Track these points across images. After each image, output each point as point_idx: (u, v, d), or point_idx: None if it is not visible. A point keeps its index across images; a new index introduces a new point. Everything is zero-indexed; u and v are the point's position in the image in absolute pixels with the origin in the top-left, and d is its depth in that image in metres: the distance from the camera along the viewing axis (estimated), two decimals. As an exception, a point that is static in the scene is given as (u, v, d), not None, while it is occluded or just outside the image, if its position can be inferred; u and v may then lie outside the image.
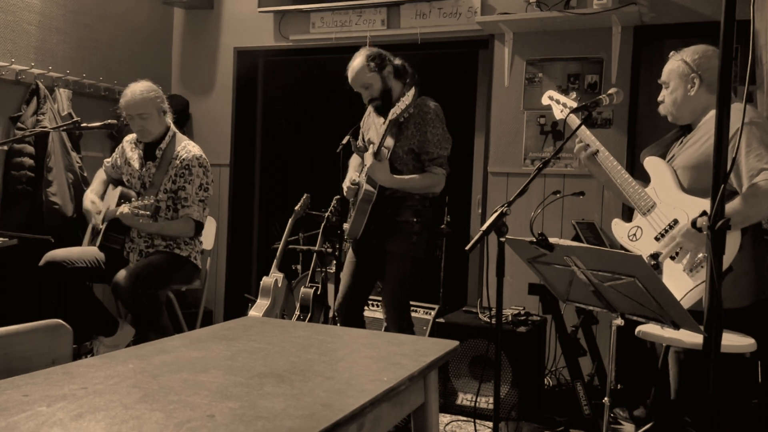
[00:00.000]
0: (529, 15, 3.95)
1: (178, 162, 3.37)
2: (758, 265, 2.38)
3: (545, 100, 2.89)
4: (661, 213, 2.41)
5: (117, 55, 4.64)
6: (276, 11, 4.79)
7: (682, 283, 2.26)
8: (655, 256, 2.38)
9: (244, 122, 5.17)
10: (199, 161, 3.39)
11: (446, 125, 3.10)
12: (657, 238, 2.39)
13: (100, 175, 3.68)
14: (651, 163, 2.53)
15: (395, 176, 3.01)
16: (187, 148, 3.42)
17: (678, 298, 2.18)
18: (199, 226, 3.39)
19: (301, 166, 5.87)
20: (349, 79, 3.14)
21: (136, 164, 3.46)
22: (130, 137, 3.58)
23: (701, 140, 2.42)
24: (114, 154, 3.66)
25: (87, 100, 4.39)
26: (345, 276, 3.21)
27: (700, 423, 1.50)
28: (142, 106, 3.34)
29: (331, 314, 3.97)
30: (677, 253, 2.33)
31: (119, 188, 3.47)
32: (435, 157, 3.04)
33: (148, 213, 3.12)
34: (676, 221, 2.35)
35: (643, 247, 2.43)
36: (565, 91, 2.88)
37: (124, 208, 3.15)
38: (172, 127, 3.49)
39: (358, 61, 3.10)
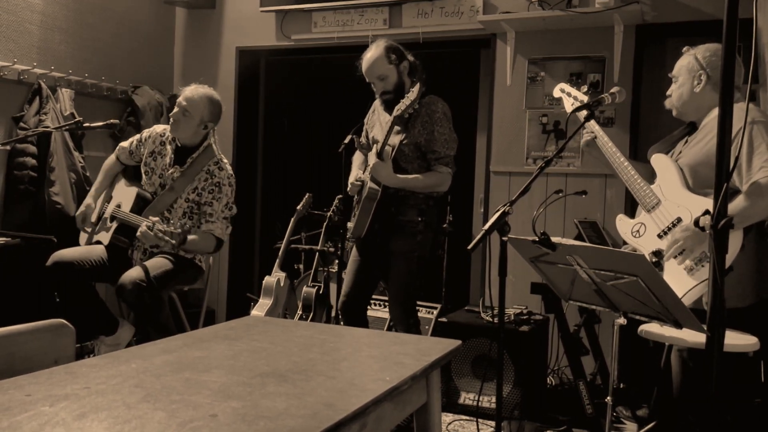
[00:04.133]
0: (531, 14, 3.95)
1: (208, 176, 3.34)
2: (761, 264, 2.38)
3: (557, 93, 2.90)
4: (665, 210, 2.40)
5: (119, 54, 4.65)
6: (278, 11, 4.79)
7: (683, 282, 2.26)
8: (657, 253, 2.38)
9: (246, 122, 5.17)
10: (230, 180, 3.39)
11: (452, 127, 3.10)
12: (660, 236, 2.40)
13: (108, 166, 3.60)
14: (657, 161, 2.53)
15: (399, 175, 3.00)
16: (221, 164, 3.39)
17: (678, 297, 2.18)
18: (219, 243, 3.37)
19: (303, 166, 5.87)
20: (364, 69, 3.09)
21: (166, 159, 3.41)
22: (162, 129, 3.51)
23: (705, 139, 2.42)
24: (133, 140, 3.56)
25: (89, 99, 4.39)
26: (348, 275, 3.20)
27: (703, 422, 1.50)
28: (192, 103, 3.32)
29: (333, 313, 3.97)
30: (679, 253, 2.33)
31: (135, 189, 3.42)
32: (441, 156, 3.04)
33: (173, 242, 3.00)
34: (679, 219, 2.35)
35: (646, 244, 2.43)
36: (576, 84, 2.88)
37: (146, 228, 3.02)
38: (210, 140, 3.45)
39: (376, 51, 3.06)
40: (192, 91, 3.37)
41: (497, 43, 4.23)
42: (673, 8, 3.81)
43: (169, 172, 3.39)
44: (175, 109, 3.35)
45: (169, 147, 3.45)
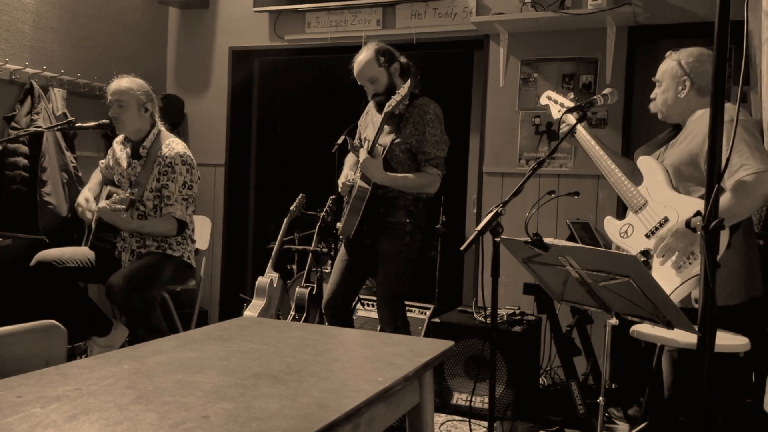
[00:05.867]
0: (524, 15, 3.96)
1: (161, 159, 3.34)
2: (749, 263, 2.40)
3: (543, 100, 2.92)
4: (652, 211, 2.43)
5: (112, 54, 4.63)
6: (271, 11, 4.78)
7: (670, 280, 2.28)
8: (645, 252, 2.40)
9: (239, 122, 5.16)
10: (183, 158, 3.35)
11: (444, 129, 3.11)
12: (647, 236, 2.42)
13: (96, 176, 3.66)
14: (644, 162, 2.56)
15: (388, 173, 3.00)
16: (171, 145, 3.38)
17: (670, 297, 2.19)
18: (181, 225, 3.35)
19: (296, 166, 5.86)
20: (355, 72, 3.11)
21: (123, 163, 3.45)
22: (120, 137, 3.57)
23: (687, 139, 2.46)
24: (107, 155, 3.66)
25: (81, 99, 4.37)
26: (335, 274, 3.20)
27: (694, 422, 1.51)
28: (122, 93, 3.34)
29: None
30: (664, 254, 2.35)
31: (108, 187, 3.46)
32: (431, 158, 3.04)
33: (123, 207, 3.12)
34: (666, 219, 2.38)
35: (634, 244, 2.45)
36: (564, 92, 2.91)
37: (101, 203, 3.17)
38: (158, 125, 3.45)
39: (366, 54, 3.08)
40: (115, 84, 3.39)
41: (490, 44, 4.23)
42: (665, 10, 3.82)
43: (131, 168, 3.42)
44: (111, 109, 3.36)
45: (125, 147, 3.49)
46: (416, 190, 3.06)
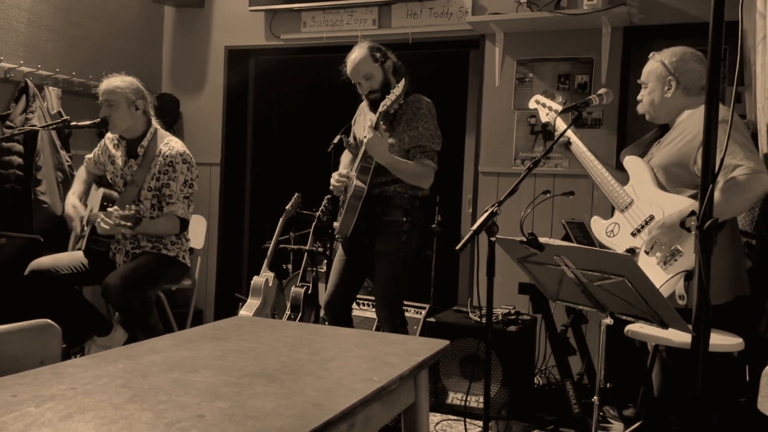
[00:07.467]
0: (520, 15, 3.96)
1: (161, 159, 3.32)
2: (736, 262, 2.41)
3: (532, 104, 2.96)
4: (638, 209, 2.45)
5: (107, 53, 4.62)
6: (267, 10, 4.78)
7: (656, 276, 2.29)
8: (631, 251, 2.42)
9: (234, 121, 5.16)
10: (183, 157, 3.34)
11: (437, 124, 3.11)
12: (633, 234, 2.44)
13: (81, 174, 3.60)
14: (630, 162, 2.58)
15: (391, 154, 2.97)
16: (170, 144, 3.36)
17: (664, 296, 2.20)
18: (184, 224, 3.35)
19: (292, 165, 5.86)
20: (350, 69, 3.11)
21: (119, 162, 3.43)
22: (112, 135, 3.54)
23: (676, 140, 2.47)
24: (96, 150, 3.60)
25: (76, 98, 4.36)
26: (334, 274, 3.21)
27: (688, 422, 1.52)
28: (111, 93, 3.31)
29: (321, 313, 3.97)
30: (651, 247, 2.37)
31: (101, 189, 3.42)
32: (426, 150, 3.04)
33: (129, 224, 3.00)
34: (652, 217, 2.39)
35: (620, 243, 2.47)
36: (552, 96, 2.93)
37: (103, 223, 2.99)
38: (155, 124, 3.43)
39: (360, 51, 3.08)
40: (105, 84, 3.36)
41: (486, 44, 4.24)
42: (661, 11, 3.84)
43: (127, 167, 3.39)
44: (103, 109, 3.33)
45: (120, 146, 3.45)
46: (412, 178, 3.04)
